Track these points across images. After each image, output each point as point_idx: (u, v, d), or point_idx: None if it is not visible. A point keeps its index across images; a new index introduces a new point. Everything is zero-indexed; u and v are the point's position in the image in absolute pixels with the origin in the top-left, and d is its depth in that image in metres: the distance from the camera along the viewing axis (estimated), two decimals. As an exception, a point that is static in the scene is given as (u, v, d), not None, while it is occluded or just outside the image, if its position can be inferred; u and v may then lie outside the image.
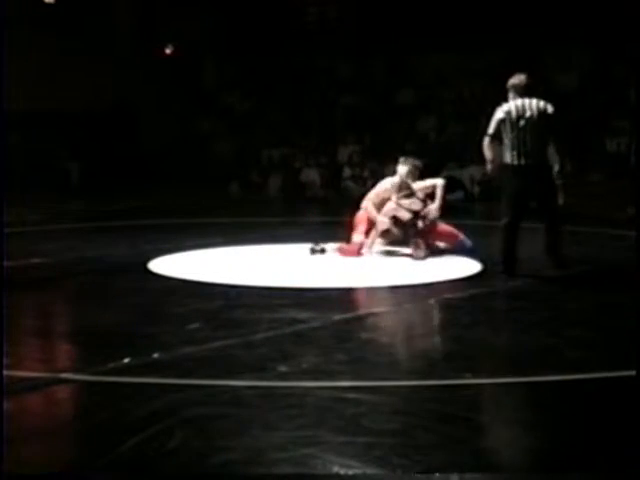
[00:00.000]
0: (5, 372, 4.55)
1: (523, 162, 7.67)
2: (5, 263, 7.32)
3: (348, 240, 9.25)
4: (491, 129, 7.83)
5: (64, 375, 4.79)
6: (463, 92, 18.46)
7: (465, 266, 8.41)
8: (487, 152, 7.89)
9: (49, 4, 19.19)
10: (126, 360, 5.01)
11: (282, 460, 3.58)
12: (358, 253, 9.08)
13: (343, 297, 7.00)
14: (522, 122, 7.69)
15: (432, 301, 7.00)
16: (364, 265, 8.70)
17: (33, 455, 3.74)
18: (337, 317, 6.22)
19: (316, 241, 9.38)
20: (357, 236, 9.24)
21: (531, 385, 4.71)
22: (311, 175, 17.88)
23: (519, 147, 7.67)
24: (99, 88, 19.34)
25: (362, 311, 6.39)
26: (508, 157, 7.72)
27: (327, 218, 14.54)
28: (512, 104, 7.82)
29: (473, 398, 4.45)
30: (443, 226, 9.23)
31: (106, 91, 19.65)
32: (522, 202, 7.83)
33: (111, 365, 4.92)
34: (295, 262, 8.84)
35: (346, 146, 18.21)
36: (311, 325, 5.95)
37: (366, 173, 17.45)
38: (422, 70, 19.18)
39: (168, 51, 21.61)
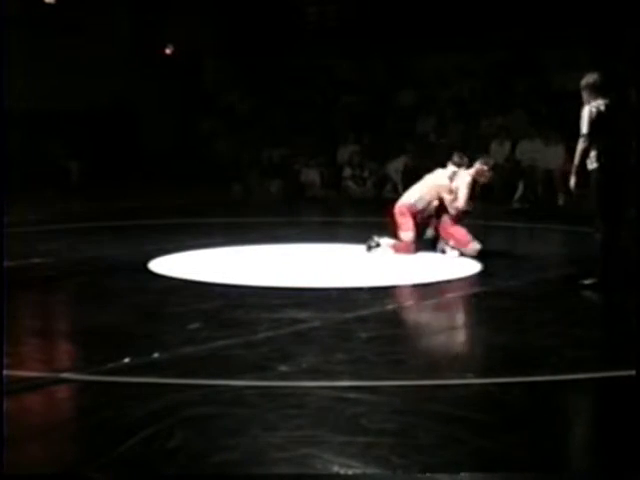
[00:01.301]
0: (5, 372, 4.55)
1: (619, 166, 7.12)
2: (5, 263, 7.32)
3: (396, 237, 9.23)
4: (584, 129, 7.05)
5: (64, 375, 4.79)
6: (463, 92, 18.46)
7: (465, 266, 8.41)
8: (580, 157, 7.09)
9: (49, 4, 19.19)
10: (126, 360, 5.01)
11: (282, 460, 3.58)
12: (412, 251, 9.10)
13: (343, 297, 7.00)
14: (615, 122, 7.11)
15: (432, 301, 7.00)
16: (364, 265, 8.71)
17: (33, 455, 3.74)
18: (337, 317, 6.22)
19: (367, 237, 9.29)
20: (406, 234, 9.17)
21: (531, 385, 4.72)
22: (311, 175, 17.87)
23: (615, 149, 7.08)
24: (99, 87, 19.32)
25: (362, 311, 6.39)
26: (599, 161, 7.07)
27: (327, 218, 14.55)
28: (601, 102, 7.12)
29: (473, 398, 4.45)
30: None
31: (106, 90, 19.64)
32: (618, 208, 7.18)
33: (111, 365, 4.92)
34: (295, 262, 8.85)
35: (346, 146, 18.21)
36: (311, 325, 5.95)
37: (366, 173, 17.44)
38: (422, 70, 19.18)
39: (168, 51, 21.61)
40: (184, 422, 4.01)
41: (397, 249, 9.11)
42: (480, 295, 7.28)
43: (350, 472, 3.48)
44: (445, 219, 9.20)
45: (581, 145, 7.12)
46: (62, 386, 4.72)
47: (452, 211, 9.14)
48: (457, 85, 18.64)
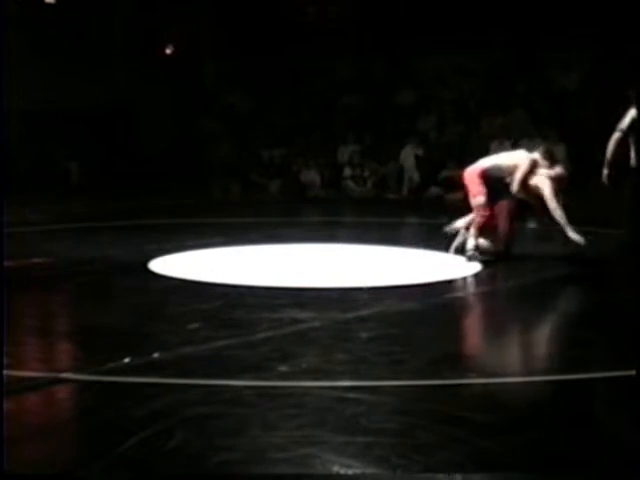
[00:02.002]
0: (5, 372, 4.55)
1: None
2: (5, 263, 7.32)
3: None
4: (624, 124, 7.12)
5: (64, 375, 4.79)
6: (463, 92, 18.46)
7: (465, 266, 8.41)
8: (611, 150, 7.15)
9: (49, 4, 19.19)
10: (126, 360, 5.01)
11: (282, 460, 3.58)
12: (483, 212, 8.63)
13: (343, 297, 7.00)
14: None
15: (432, 301, 7.00)
16: (365, 265, 8.71)
17: (33, 455, 3.74)
18: (337, 317, 6.22)
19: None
20: (477, 199, 8.68)
21: (531, 385, 4.71)
22: (311, 175, 17.88)
23: None
24: (99, 88, 19.32)
25: (362, 311, 6.39)
26: (637, 162, 7.06)
27: (327, 218, 14.54)
28: None
29: (473, 398, 4.45)
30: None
31: (106, 91, 19.63)
32: None
33: (111, 365, 4.92)
34: (295, 262, 8.85)
35: (346, 146, 18.21)
36: (311, 325, 5.95)
37: (366, 173, 17.45)
38: (422, 70, 19.18)
39: (168, 51, 21.60)
40: (184, 422, 4.01)
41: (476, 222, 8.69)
42: (480, 295, 7.28)
43: (350, 472, 3.48)
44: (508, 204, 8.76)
45: (614, 137, 7.19)
46: (62, 386, 4.71)
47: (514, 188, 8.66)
48: (457, 85, 18.64)
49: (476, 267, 8.33)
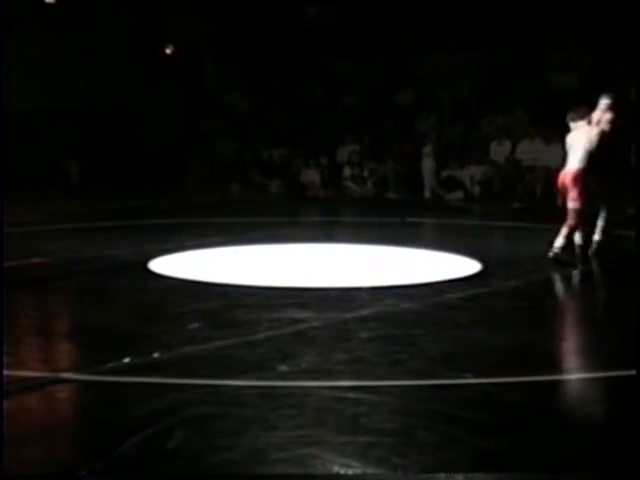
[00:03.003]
0: (5, 372, 4.55)
1: None
2: (5, 263, 7.31)
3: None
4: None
5: (64, 375, 4.79)
6: (463, 92, 18.46)
7: (465, 266, 8.41)
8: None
9: (49, 4, 19.18)
10: (126, 360, 5.01)
11: (282, 460, 3.59)
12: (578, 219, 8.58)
13: (343, 297, 7.00)
14: None
15: (432, 301, 7.00)
16: (365, 264, 8.71)
17: (33, 455, 3.74)
18: (337, 317, 6.22)
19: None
20: (573, 203, 8.58)
21: (531, 385, 4.71)
22: (311, 175, 17.87)
23: None
24: (99, 87, 19.32)
25: (362, 311, 6.39)
26: None
27: (327, 218, 14.54)
28: None
29: (473, 398, 4.45)
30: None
31: (106, 91, 19.64)
32: None
33: (111, 365, 4.92)
34: (295, 262, 8.85)
35: (346, 146, 18.21)
36: (311, 325, 5.95)
37: (366, 173, 17.45)
38: (422, 70, 19.18)
39: (168, 51, 21.60)
40: (184, 422, 4.01)
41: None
42: (480, 295, 7.27)
43: (350, 472, 3.48)
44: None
45: None
46: (62, 386, 4.72)
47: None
48: (457, 85, 18.64)
49: (476, 267, 8.33)
